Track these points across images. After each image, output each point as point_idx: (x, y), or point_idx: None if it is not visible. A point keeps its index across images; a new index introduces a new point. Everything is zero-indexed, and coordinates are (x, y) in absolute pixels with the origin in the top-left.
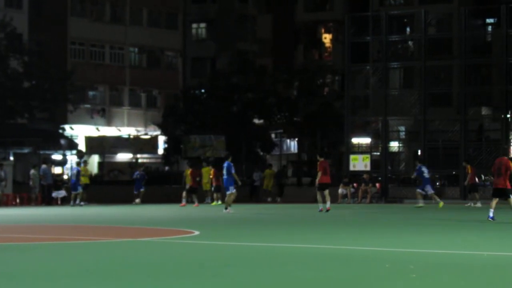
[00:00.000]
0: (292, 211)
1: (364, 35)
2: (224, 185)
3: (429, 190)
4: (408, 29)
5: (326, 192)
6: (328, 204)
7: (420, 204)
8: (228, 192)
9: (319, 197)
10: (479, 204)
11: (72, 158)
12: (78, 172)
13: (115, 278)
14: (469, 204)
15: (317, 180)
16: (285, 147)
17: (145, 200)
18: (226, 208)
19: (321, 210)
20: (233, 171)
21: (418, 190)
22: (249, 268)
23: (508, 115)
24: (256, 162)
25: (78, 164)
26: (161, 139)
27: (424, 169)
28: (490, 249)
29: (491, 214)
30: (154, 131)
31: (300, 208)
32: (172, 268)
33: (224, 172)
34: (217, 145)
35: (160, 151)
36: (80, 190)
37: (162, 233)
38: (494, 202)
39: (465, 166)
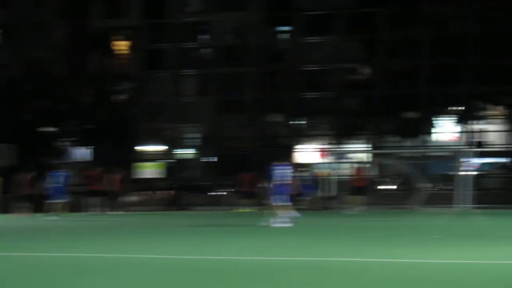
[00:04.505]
0: (80, 219)
1: (160, 43)
2: (57, 192)
3: None
4: (203, 37)
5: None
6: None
7: None
8: (62, 200)
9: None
10: None
11: None
12: None
13: None
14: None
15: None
16: (77, 155)
17: None
18: (54, 216)
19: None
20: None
21: None
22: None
23: (300, 121)
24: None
25: None
26: None
27: None
28: (275, 255)
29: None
30: None
31: (88, 216)
32: None
33: (61, 180)
34: (6, 153)
35: None
36: None
37: None
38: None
39: None
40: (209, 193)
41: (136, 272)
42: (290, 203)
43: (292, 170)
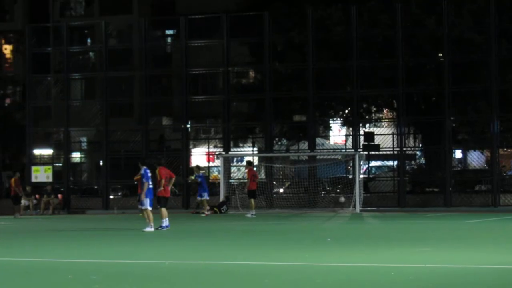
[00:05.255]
0: None
1: (45, 46)
2: None
3: None
4: (89, 40)
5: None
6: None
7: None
8: None
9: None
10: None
11: None
12: None
13: None
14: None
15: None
16: None
17: None
18: None
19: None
20: None
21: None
22: None
23: (188, 125)
24: None
25: None
26: None
27: None
28: (170, 258)
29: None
30: None
31: None
32: None
33: None
34: None
35: None
36: None
37: None
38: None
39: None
40: (99, 197)
41: (15, 275)
42: (150, 207)
43: (149, 174)
